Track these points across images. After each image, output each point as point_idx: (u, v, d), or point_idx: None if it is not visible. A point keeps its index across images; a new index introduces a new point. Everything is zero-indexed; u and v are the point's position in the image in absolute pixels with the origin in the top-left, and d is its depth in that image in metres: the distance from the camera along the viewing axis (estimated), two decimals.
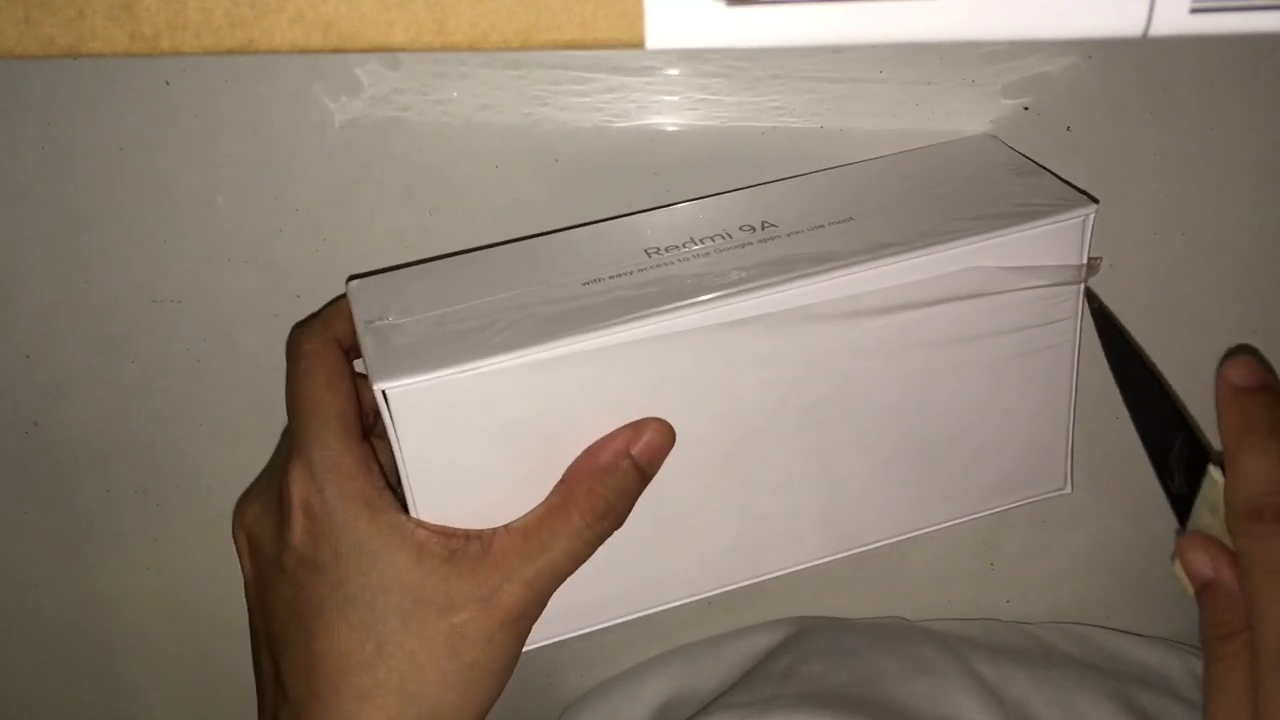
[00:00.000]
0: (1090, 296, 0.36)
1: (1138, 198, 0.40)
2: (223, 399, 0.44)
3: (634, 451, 0.33)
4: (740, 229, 0.35)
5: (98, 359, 0.43)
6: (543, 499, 0.33)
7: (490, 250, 0.36)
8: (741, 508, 0.36)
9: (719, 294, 0.32)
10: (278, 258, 0.41)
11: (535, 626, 0.33)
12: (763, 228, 0.35)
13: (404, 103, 0.38)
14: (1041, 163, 0.37)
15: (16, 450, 0.46)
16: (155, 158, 0.39)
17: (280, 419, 0.35)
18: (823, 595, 0.50)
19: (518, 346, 0.31)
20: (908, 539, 0.38)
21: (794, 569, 0.37)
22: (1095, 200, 0.34)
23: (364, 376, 0.34)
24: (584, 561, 0.33)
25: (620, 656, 0.51)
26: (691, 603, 0.37)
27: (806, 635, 0.49)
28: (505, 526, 0.33)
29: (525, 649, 0.34)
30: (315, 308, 0.40)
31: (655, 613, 0.37)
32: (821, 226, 0.34)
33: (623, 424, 0.33)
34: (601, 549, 0.33)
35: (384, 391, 0.30)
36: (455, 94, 0.37)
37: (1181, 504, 0.34)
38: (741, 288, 0.32)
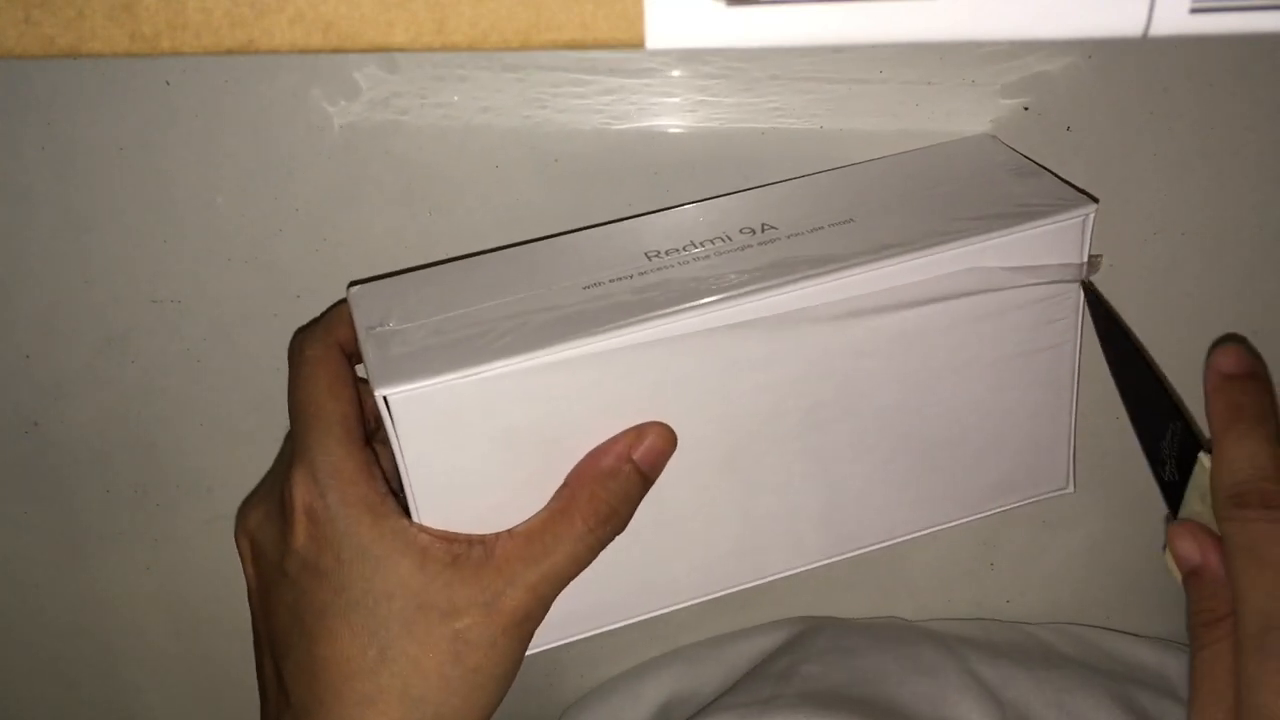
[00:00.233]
0: (1087, 288, 0.36)
1: (1138, 198, 0.40)
2: (223, 399, 0.44)
3: (636, 456, 0.33)
4: (740, 231, 0.35)
5: (98, 359, 0.43)
6: (545, 503, 0.33)
7: (490, 254, 0.36)
8: (742, 509, 0.36)
9: (719, 297, 0.32)
10: (278, 258, 0.41)
11: (538, 631, 0.33)
12: (762, 230, 0.35)
13: (403, 106, 0.38)
14: (1041, 163, 0.37)
15: (16, 450, 0.46)
16: (155, 158, 0.39)
17: (281, 419, 0.35)
18: (823, 595, 0.50)
19: (519, 351, 0.31)
20: (909, 539, 0.38)
21: (794, 570, 0.37)
22: (1095, 200, 0.34)
23: (366, 381, 0.34)
24: (586, 566, 0.33)
25: (621, 657, 0.51)
26: (692, 605, 0.37)
27: (806, 635, 0.49)
28: (508, 531, 0.33)
29: (528, 653, 0.34)
30: (315, 308, 0.40)
31: (656, 616, 0.37)
32: (821, 228, 0.34)
33: (624, 427, 0.33)
34: (603, 553, 0.33)
35: (386, 397, 0.30)
36: (455, 97, 0.37)
37: (1173, 493, 0.34)
38: (742, 290, 0.32)
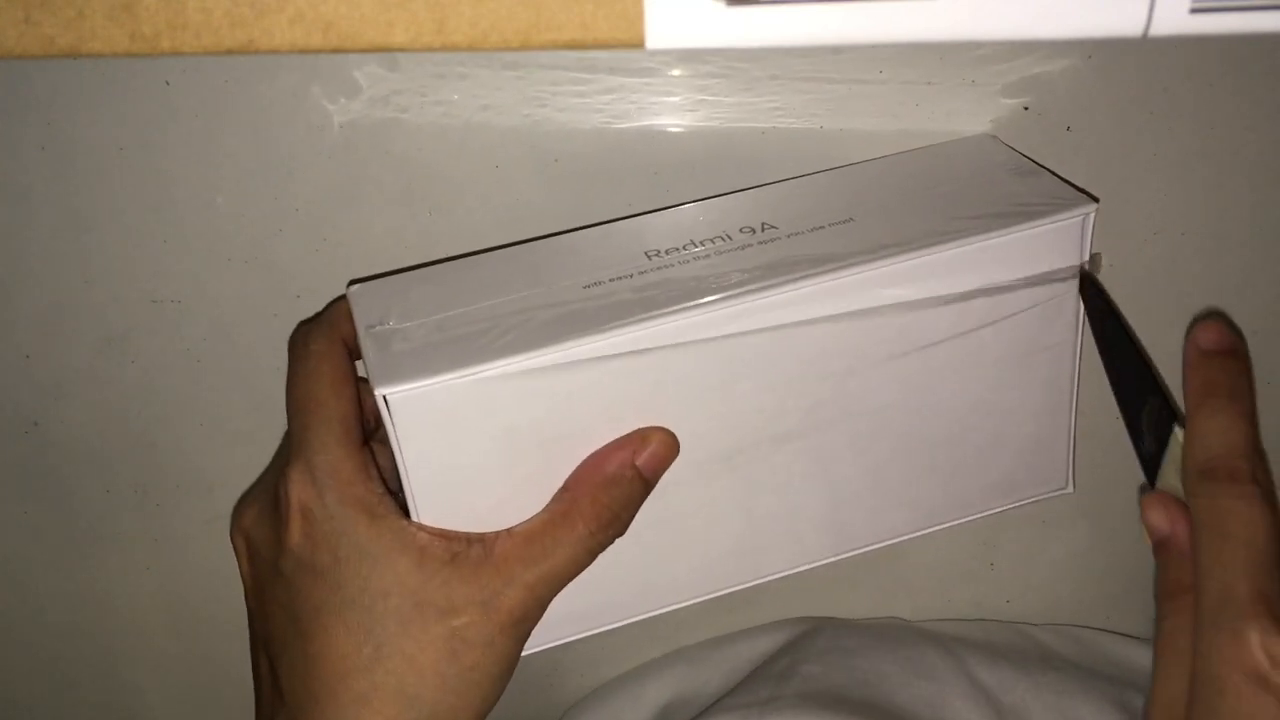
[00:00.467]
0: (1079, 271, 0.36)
1: (1138, 198, 0.40)
2: (223, 399, 0.44)
3: (639, 462, 0.33)
4: (740, 230, 0.35)
5: (98, 359, 0.43)
6: (544, 503, 0.33)
7: (491, 253, 0.36)
8: (742, 509, 0.36)
9: (720, 296, 0.32)
10: (278, 258, 0.41)
11: (536, 630, 0.33)
12: (763, 229, 0.35)
13: (403, 104, 0.38)
14: (1041, 163, 0.37)
15: (16, 450, 0.46)
16: (155, 158, 0.39)
17: (281, 419, 0.35)
18: (823, 595, 0.50)
19: (519, 351, 0.31)
20: (909, 539, 0.38)
21: (795, 570, 0.37)
22: (1095, 200, 0.34)
23: (365, 380, 0.34)
24: (585, 568, 0.33)
25: (621, 658, 0.51)
26: (692, 604, 0.37)
27: (807, 636, 0.49)
28: (507, 531, 0.33)
29: (526, 653, 0.34)
30: (315, 308, 0.40)
31: (656, 615, 0.37)
32: (821, 227, 0.34)
33: (624, 426, 0.33)
34: (603, 553, 0.33)
35: (386, 396, 0.30)
36: (455, 96, 0.37)
37: (1151, 465, 0.34)
38: (742, 290, 0.32)
